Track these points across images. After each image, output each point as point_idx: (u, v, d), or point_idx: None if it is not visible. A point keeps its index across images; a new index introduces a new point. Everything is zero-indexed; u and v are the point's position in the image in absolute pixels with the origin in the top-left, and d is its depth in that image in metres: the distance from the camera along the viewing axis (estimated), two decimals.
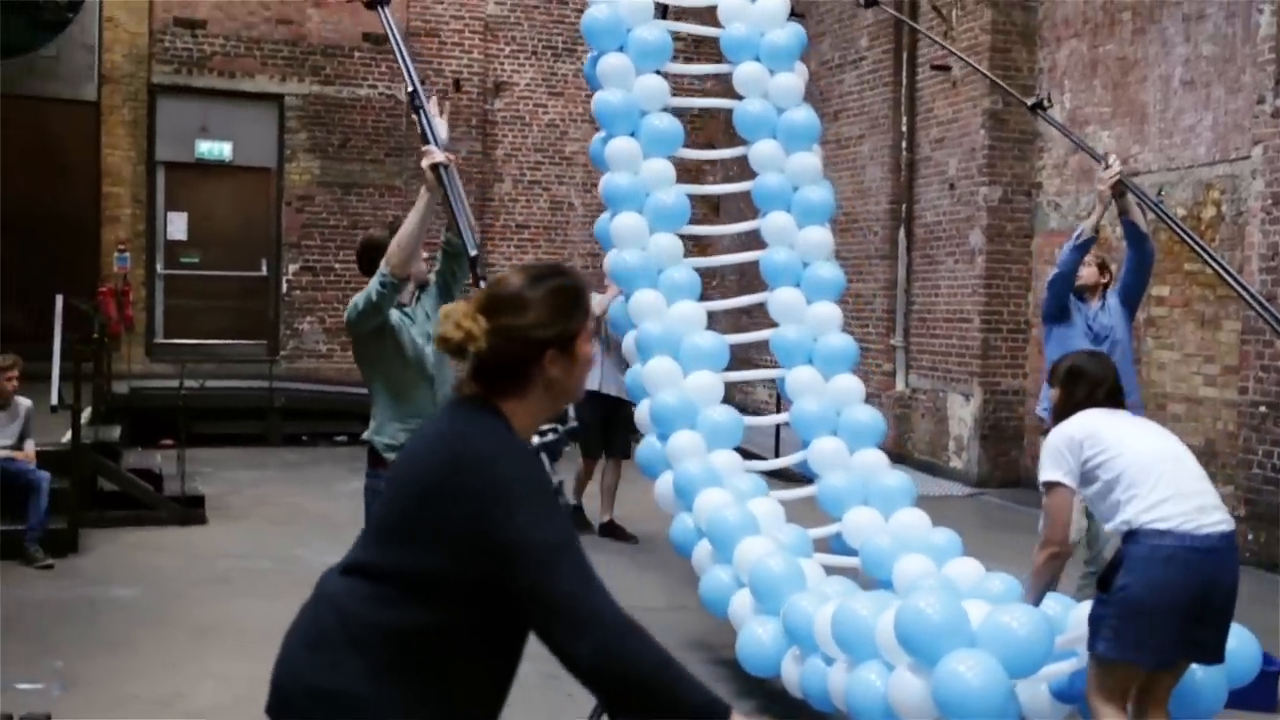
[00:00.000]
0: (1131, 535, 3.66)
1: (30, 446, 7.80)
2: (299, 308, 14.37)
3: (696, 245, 10.06)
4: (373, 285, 4.19)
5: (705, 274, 7.13)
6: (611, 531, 8.30)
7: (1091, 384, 4.04)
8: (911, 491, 6.04)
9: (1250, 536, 8.14)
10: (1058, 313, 5.99)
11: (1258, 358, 8.19)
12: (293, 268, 14.40)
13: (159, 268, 13.95)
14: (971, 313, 11.37)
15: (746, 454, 6.60)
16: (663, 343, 6.12)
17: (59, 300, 8.29)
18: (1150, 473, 3.72)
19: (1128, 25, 10.01)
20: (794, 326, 6.48)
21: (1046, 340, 6.08)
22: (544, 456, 3.07)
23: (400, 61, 4.61)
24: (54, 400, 7.49)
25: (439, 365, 4.40)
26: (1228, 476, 8.66)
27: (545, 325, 2.20)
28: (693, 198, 7.05)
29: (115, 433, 9.64)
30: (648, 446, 6.01)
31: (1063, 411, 4.03)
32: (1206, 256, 5.52)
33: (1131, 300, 6.05)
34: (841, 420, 6.21)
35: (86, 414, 8.77)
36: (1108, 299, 6.03)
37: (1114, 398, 4.04)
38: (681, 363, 6.09)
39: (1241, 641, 4.15)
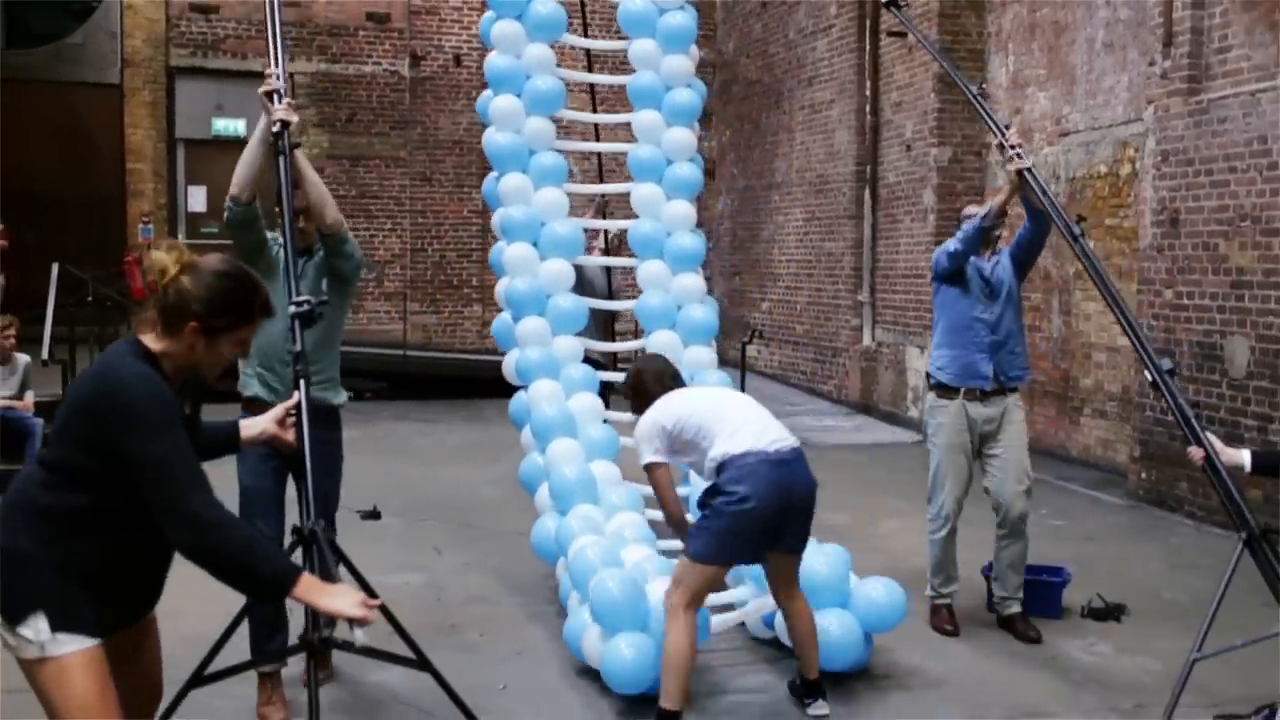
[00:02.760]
0: (721, 466, 4.34)
1: (30, 397, 8.79)
2: None
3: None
4: None
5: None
6: None
7: (656, 380, 4.74)
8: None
9: (1143, 475, 8.69)
10: (951, 277, 5.80)
11: (1149, 307, 8.68)
12: None
13: (180, 238, 14.96)
14: (925, 269, 11.88)
15: None
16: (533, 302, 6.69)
17: (54, 267, 9.25)
18: (721, 417, 4.45)
19: None
20: (657, 293, 6.90)
21: (935, 298, 5.90)
22: (297, 324, 3.48)
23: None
24: (44, 355, 8.43)
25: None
26: (1126, 418, 9.20)
27: (202, 304, 2.89)
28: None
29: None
30: (516, 399, 6.63)
31: (643, 410, 4.67)
32: (1092, 272, 4.99)
33: (1023, 263, 5.82)
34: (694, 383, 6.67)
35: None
36: (1001, 254, 5.82)
37: (678, 380, 4.81)
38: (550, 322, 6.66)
39: (890, 591, 4.98)
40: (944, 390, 5.72)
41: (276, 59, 4.17)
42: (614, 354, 8.87)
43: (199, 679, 3.11)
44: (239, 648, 3.76)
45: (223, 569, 2.76)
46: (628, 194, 7.27)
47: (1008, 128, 5.74)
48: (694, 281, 6.97)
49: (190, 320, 2.88)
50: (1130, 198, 9.46)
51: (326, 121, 15.31)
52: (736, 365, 12.71)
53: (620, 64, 8.10)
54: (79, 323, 9.70)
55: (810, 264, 14.20)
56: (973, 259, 5.70)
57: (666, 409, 4.55)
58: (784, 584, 4.55)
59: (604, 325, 9.10)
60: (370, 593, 3.05)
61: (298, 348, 3.49)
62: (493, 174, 7.16)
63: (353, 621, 2.79)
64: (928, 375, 5.97)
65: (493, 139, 7.03)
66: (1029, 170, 5.36)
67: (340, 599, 2.82)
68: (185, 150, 14.97)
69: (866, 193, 12.91)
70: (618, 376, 7.22)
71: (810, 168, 14.16)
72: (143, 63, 14.62)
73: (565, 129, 7.98)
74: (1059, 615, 5.83)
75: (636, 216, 7.20)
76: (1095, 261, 5.06)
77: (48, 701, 2.83)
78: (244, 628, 3.80)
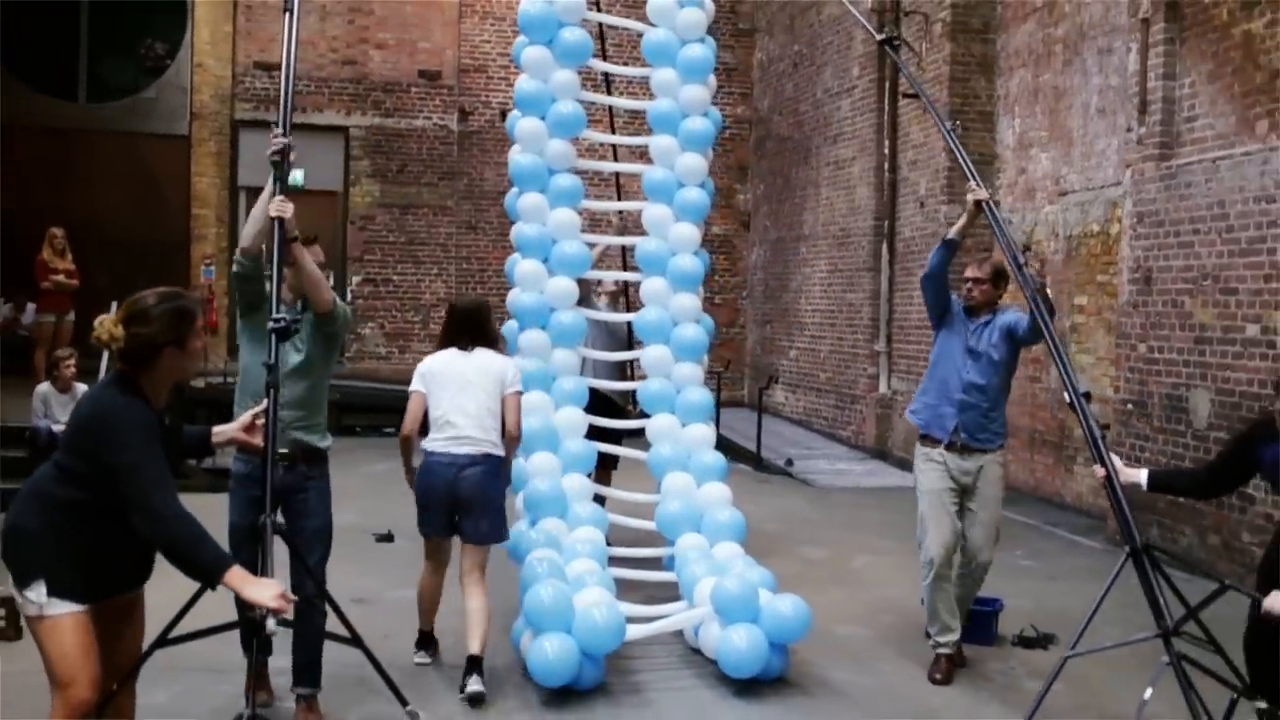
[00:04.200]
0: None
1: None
2: (361, 315, 16.18)
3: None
4: None
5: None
6: None
7: (452, 320, 5.83)
8: (722, 470, 7.02)
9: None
10: (937, 315, 6.05)
11: (1126, 360, 9.12)
12: (356, 279, 16.25)
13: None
14: None
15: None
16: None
17: (114, 306, 10.09)
18: (439, 400, 5.58)
19: (1059, 57, 10.96)
20: (655, 308, 7.42)
21: (934, 343, 6.13)
22: (274, 338, 4.14)
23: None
24: None
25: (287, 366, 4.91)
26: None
27: (164, 333, 3.61)
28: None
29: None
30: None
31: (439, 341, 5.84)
32: (1030, 299, 5.34)
33: (1016, 344, 5.89)
34: (677, 399, 7.27)
35: None
36: (996, 320, 5.91)
37: (470, 327, 5.76)
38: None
39: (795, 607, 5.52)
40: (926, 439, 6.02)
41: (284, 124, 4.71)
42: (630, 394, 9.14)
43: (162, 642, 3.75)
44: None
45: (172, 553, 3.46)
46: (639, 211, 7.75)
47: (963, 145, 6.12)
48: (691, 301, 7.41)
49: (162, 349, 3.58)
50: (1119, 255, 9.90)
51: (379, 172, 16.22)
52: (762, 408, 13.31)
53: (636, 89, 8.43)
54: None
55: (833, 314, 14.74)
56: (962, 319, 5.95)
57: (433, 358, 5.75)
58: (467, 569, 5.59)
59: (621, 372, 9.23)
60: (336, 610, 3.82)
61: (272, 360, 4.14)
62: (514, 190, 7.60)
63: (270, 611, 3.43)
64: (909, 419, 6.28)
65: (515, 158, 7.51)
66: (986, 201, 5.67)
67: (261, 590, 3.46)
68: (246, 197, 15.90)
69: (884, 246, 13.44)
70: (629, 423, 7.79)
71: (834, 221, 14.74)
72: (209, 116, 15.66)
73: (587, 151, 8.42)
74: (991, 642, 6.29)
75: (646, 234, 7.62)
76: (1032, 287, 5.35)
77: (43, 651, 3.54)
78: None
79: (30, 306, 13.04)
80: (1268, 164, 7.59)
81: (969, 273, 6.07)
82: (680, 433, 7.21)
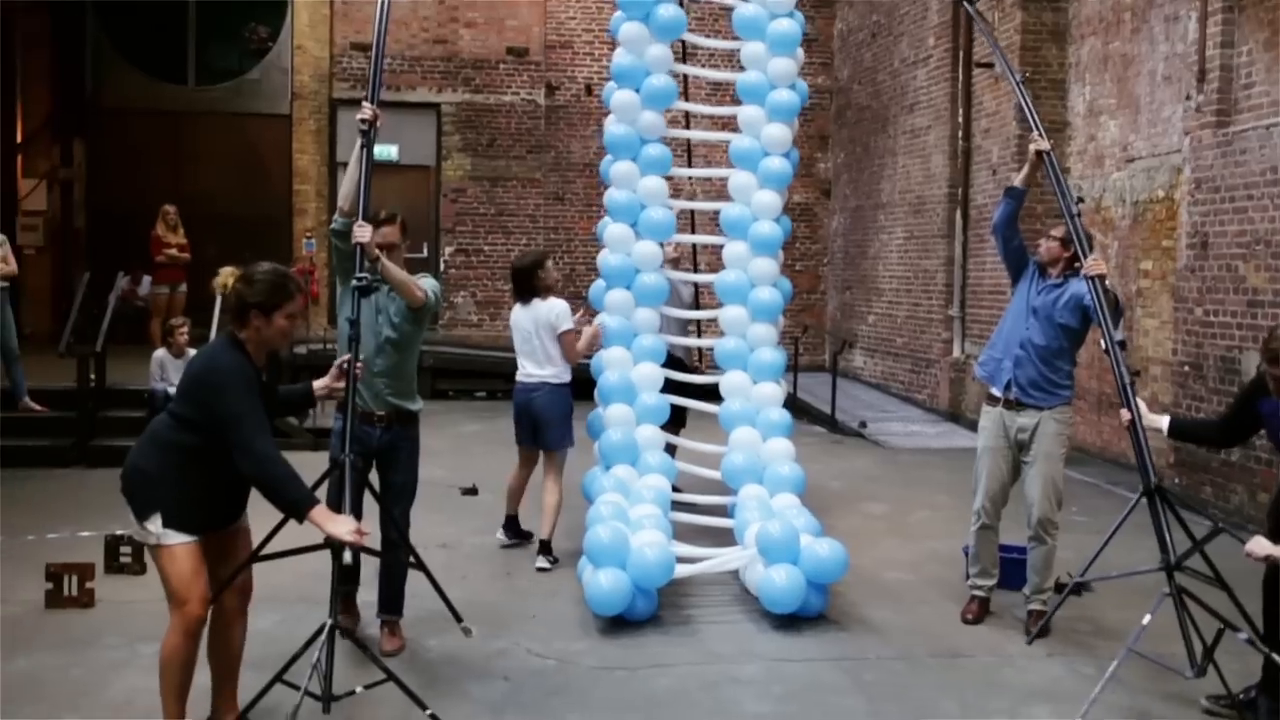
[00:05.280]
0: None
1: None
2: (454, 284, 16.90)
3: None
4: None
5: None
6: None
7: (513, 287, 7.45)
8: (787, 427, 7.47)
9: (1176, 480, 9.34)
10: (1012, 268, 6.26)
11: (1183, 324, 9.34)
12: (449, 250, 16.95)
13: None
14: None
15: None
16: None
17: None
18: (517, 353, 7.32)
19: (1128, 25, 11.09)
20: (735, 271, 7.81)
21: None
22: (356, 294, 4.76)
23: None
24: None
25: (372, 332, 5.42)
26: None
27: (255, 296, 4.22)
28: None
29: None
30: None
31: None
32: (1079, 244, 5.66)
33: (1086, 313, 5.88)
34: (750, 358, 7.67)
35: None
36: (1069, 286, 5.94)
37: (527, 278, 7.33)
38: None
39: (833, 549, 5.93)
40: (989, 399, 6.28)
41: (373, 96, 5.32)
42: (698, 351, 9.46)
43: (255, 558, 4.37)
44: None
45: (266, 489, 4.06)
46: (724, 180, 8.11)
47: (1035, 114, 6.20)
48: (768, 265, 7.73)
49: (251, 310, 4.19)
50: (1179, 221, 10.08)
51: (469, 146, 16.87)
52: (841, 373, 13.69)
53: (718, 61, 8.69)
54: None
55: (909, 280, 15.03)
56: (1034, 276, 6.08)
57: (512, 312, 7.53)
58: (545, 471, 7.25)
59: (685, 332, 9.80)
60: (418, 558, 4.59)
61: (355, 316, 4.73)
62: (608, 158, 8.01)
63: (346, 544, 4.01)
64: (975, 377, 6.54)
65: (610, 128, 7.92)
66: (1047, 153, 5.98)
67: (339, 525, 4.05)
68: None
69: (958, 214, 13.69)
70: (695, 379, 8.25)
71: (910, 189, 14.99)
72: (309, 95, 16.45)
73: (671, 122, 8.51)
74: (1021, 587, 6.64)
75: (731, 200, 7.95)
76: (1080, 235, 5.70)
77: (162, 575, 4.18)
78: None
79: (146, 279, 13.98)
80: None
81: (1039, 244, 6.24)
82: (751, 390, 7.63)
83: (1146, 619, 4.65)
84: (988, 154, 13.13)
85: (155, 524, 4.13)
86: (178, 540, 4.13)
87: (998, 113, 12.89)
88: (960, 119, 13.62)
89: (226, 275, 4.44)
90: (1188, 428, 5.67)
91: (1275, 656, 4.59)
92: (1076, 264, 5.88)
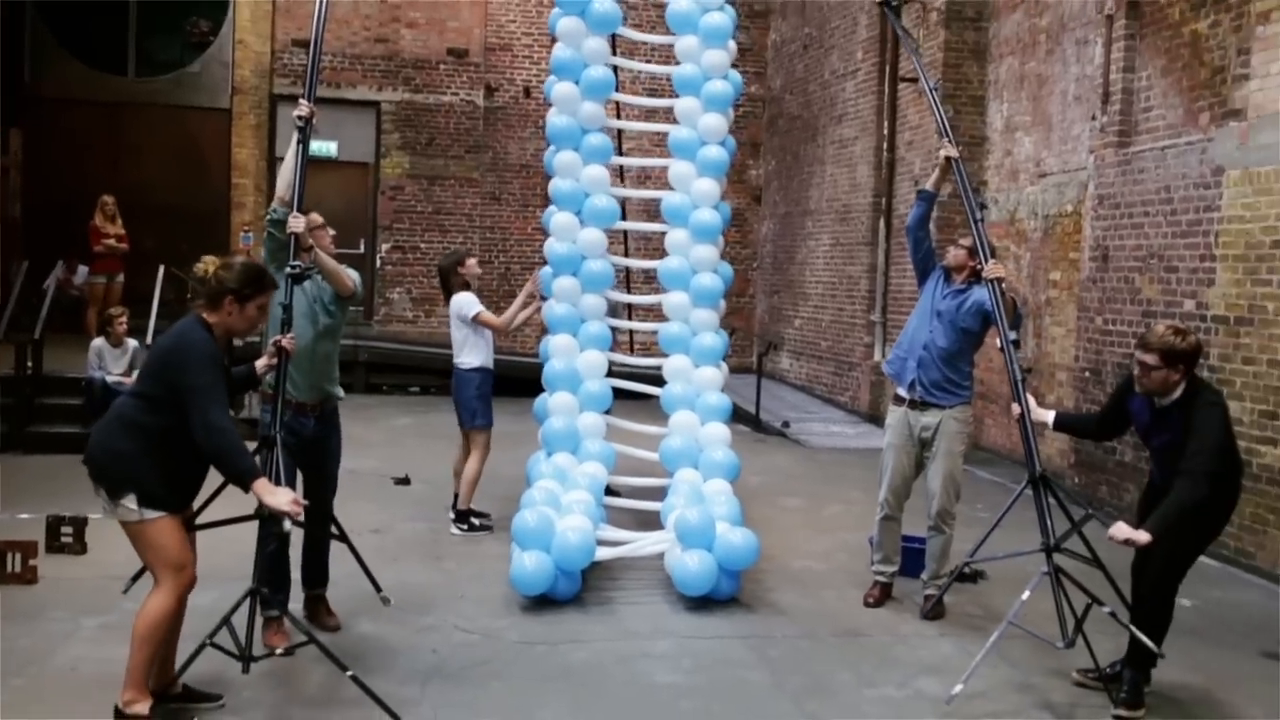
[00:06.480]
0: None
1: (135, 375, 10.60)
2: (390, 280, 17.13)
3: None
4: None
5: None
6: None
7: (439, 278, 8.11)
8: (725, 410, 7.79)
9: (1076, 479, 9.88)
10: (918, 268, 6.63)
11: (1085, 332, 9.89)
12: (385, 246, 17.18)
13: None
14: None
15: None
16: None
17: (160, 269, 11.09)
18: None
19: (1043, 46, 11.65)
20: (677, 258, 8.09)
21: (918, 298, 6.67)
22: (290, 281, 5.07)
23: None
24: (149, 341, 10.25)
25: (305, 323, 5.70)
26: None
27: (231, 282, 4.54)
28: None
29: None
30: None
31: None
32: (980, 245, 6.07)
33: (987, 318, 6.22)
34: (692, 342, 7.98)
35: None
36: (971, 293, 6.29)
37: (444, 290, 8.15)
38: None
39: (745, 538, 6.31)
40: (895, 398, 6.70)
41: (310, 94, 5.69)
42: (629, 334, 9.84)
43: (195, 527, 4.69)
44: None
45: (217, 458, 4.34)
46: (665, 169, 8.36)
47: (954, 129, 6.67)
48: (709, 251, 8.00)
49: (227, 295, 4.50)
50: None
51: (408, 145, 17.11)
52: (768, 375, 14.12)
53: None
54: (179, 316, 11.51)
55: (834, 285, 15.53)
56: (940, 280, 6.46)
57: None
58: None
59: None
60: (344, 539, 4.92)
61: (288, 301, 5.05)
62: (550, 148, 8.26)
63: (284, 514, 4.31)
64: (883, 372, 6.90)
65: (552, 119, 8.16)
66: (955, 159, 6.40)
67: (279, 496, 4.33)
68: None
69: (881, 222, 14.21)
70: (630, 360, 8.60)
71: (837, 197, 15.50)
72: (250, 90, 16.58)
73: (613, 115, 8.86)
74: (920, 575, 7.09)
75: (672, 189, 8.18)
76: (983, 239, 6.11)
77: (150, 547, 4.40)
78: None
79: (82, 269, 14.05)
80: (1205, 153, 8.32)
81: (949, 252, 6.56)
82: (692, 373, 7.93)
83: (1025, 595, 5.09)
84: (910, 165, 13.65)
85: (132, 501, 4.36)
86: (158, 514, 4.39)
87: (921, 126, 13.41)
88: (885, 131, 14.14)
89: (209, 263, 4.71)
90: (1070, 421, 6.14)
91: (1133, 629, 5.05)
92: (981, 270, 6.18)
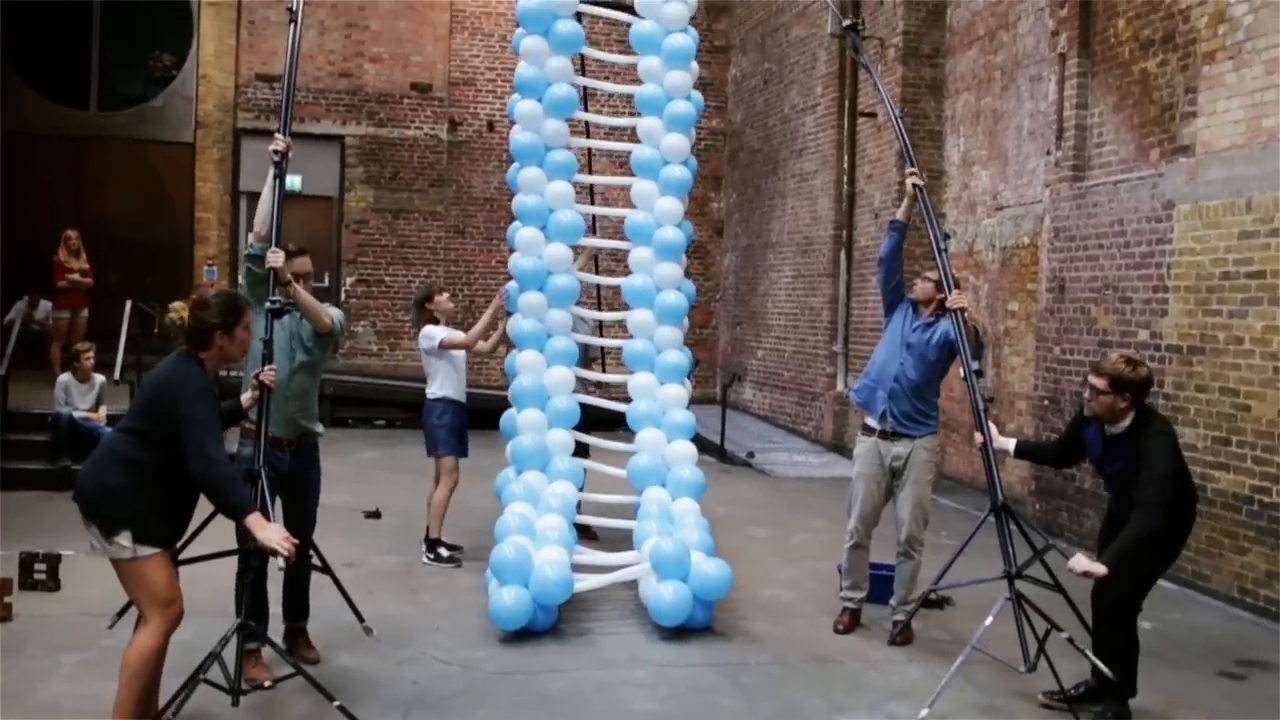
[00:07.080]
0: None
1: (103, 410, 10.61)
2: (355, 313, 17.17)
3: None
4: None
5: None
6: None
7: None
8: (690, 428, 7.82)
9: (1037, 506, 10.08)
10: (887, 299, 6.70)
11: (1043, 362, 10.12)
12: (350, 279, 17.23)
13: (240, 279, 16.83)
14: None
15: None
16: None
17: (128, 304, 11.11)
18: None
19: (998, 82, 11.95)
20: (641, 275, 8.09)
21: (884, 329, 6.76)
22: (270, 316, 5.16)
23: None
24: (116, 376, 10.25)
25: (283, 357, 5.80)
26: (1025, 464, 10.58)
27: (214, 318, 4.62)
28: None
29: None
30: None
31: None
32: (943, 274, 6.22)
33: (949, 350, 6.40)
34: (657, 359, 7.98)
35: None
36: (939, 325, 6.44)
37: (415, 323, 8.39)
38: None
39: (719, 569, 6.43)
40: (865, 428, 6.82)
41: (285, 128, 5.79)
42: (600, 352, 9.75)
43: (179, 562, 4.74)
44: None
45: (211, 491, 4.41)
46: (628, 187, 8.36)
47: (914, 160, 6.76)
48: (673, 269, 8.03)
49: (215, 331, 4.58)
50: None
51: (372, 179, 17.21)
52: (731, 405, 14.28)
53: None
54: (146, 351, 11.53)
55: (796, 317, 15.75)
56: (908, 312, 6.59)
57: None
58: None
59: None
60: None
61: (268, 336, 5.14)
62: (514, 165, 8.28)
63: (274, 551, 4.38)
64: (848, 399, 7.02)
65: (515, 136, 8.19)
66: (920, 187, 6.48)
67: (272, 532, 4.41)
68: (247, 202, 16.85)
69: (842, 254, 14.44)
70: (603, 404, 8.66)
71: (798, 230, 15.74)
72: (213, 124, 16.63)
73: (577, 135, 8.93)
74: (888, 601, 7.23)
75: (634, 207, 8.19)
76: (947, 269, 6.25)
77: (142, 583, 4.43)
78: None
79: (45, 304, 13.99)
80: (1156, 187, 8.58)
81: (919, 285, 6.66)
82: (657, 391, 7.96)
83: (989, 620, 5.25)
84: (870, 198, 13.91)
85: (126, 539, 4.39)
86: (150, 552, 4.43)
87: (880, 159, 13.69)
88: (845, 164, 14.40)
89: (179, 309, 4.86)
90: (1030, 450, 6.34)
91: (1089, 654, 5.22)
92: (943, 301, 6.36)
